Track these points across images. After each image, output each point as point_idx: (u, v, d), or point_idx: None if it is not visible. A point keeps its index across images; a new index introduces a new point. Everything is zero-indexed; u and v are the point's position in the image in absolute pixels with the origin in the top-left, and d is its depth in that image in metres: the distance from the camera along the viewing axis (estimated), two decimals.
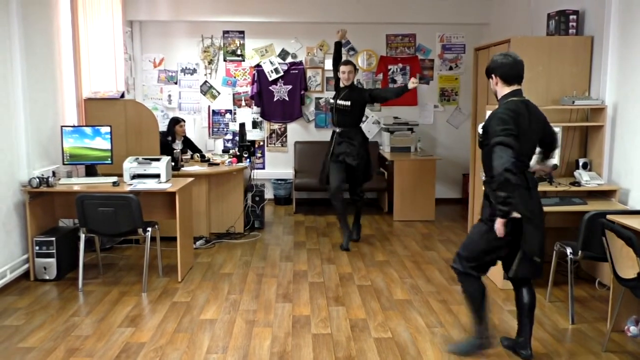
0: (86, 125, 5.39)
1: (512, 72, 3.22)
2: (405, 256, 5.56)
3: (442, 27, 8.00)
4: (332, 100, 5.90)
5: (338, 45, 6.01)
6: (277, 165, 8.22)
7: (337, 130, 5.83)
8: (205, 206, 6.02)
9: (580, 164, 4.84)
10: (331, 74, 7.97)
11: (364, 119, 6.46)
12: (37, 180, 4.65)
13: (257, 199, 6.57)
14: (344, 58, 6.04)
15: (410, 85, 5.52)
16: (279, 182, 8.01)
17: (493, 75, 3.28)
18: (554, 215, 4.74)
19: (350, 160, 5.72)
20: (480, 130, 3.26)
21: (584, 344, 3.63)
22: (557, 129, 4.56)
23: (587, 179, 4.63)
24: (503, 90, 3.26)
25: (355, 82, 5.84)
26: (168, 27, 7.89)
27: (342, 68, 5.71)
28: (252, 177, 6.82)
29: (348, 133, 5.76)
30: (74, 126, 5.34)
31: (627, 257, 3.16)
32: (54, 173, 4.95)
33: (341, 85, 5.79)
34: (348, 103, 5.67)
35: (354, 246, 5.88)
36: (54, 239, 4.71)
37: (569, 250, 4.04)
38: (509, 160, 2.92)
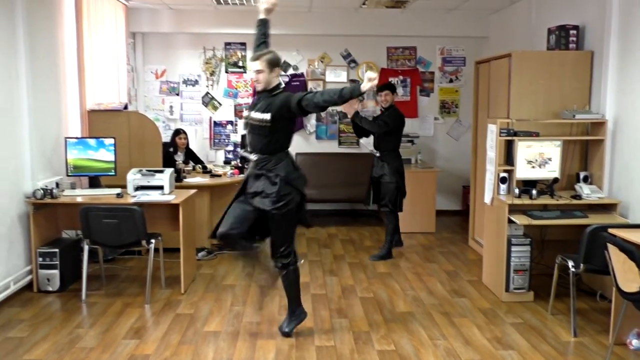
0: (90, 137, 5.41)
1: None
2: (407, 268, 5.58)
3: (443, 39, 8.07)
4: (246, 113, 3.94)
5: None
6: None
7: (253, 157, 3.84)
8: (207, 217, 6.03)
9: (581, 177, 4.88)
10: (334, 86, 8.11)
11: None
12: (41, 191, 4.67)
13: None
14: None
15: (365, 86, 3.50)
16: None
17: None
18: (555, 228, 4.79)
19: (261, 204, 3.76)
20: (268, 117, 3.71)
21: (587, 357, 3.65)
22: (557, 143, 4.66)
23: (587, 192, 4.66)
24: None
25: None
26: (170, 39, 7.95)
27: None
28: None
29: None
30: (78, 138, 5.37)
31: (629, 270, 3.19)
32: (57, 184, 4.97)
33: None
34: (267, 117, 3.72)
35: (354, 257, 5.89)
36: (57, 250, 4.72)
37: (570, 263, 4.06)
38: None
